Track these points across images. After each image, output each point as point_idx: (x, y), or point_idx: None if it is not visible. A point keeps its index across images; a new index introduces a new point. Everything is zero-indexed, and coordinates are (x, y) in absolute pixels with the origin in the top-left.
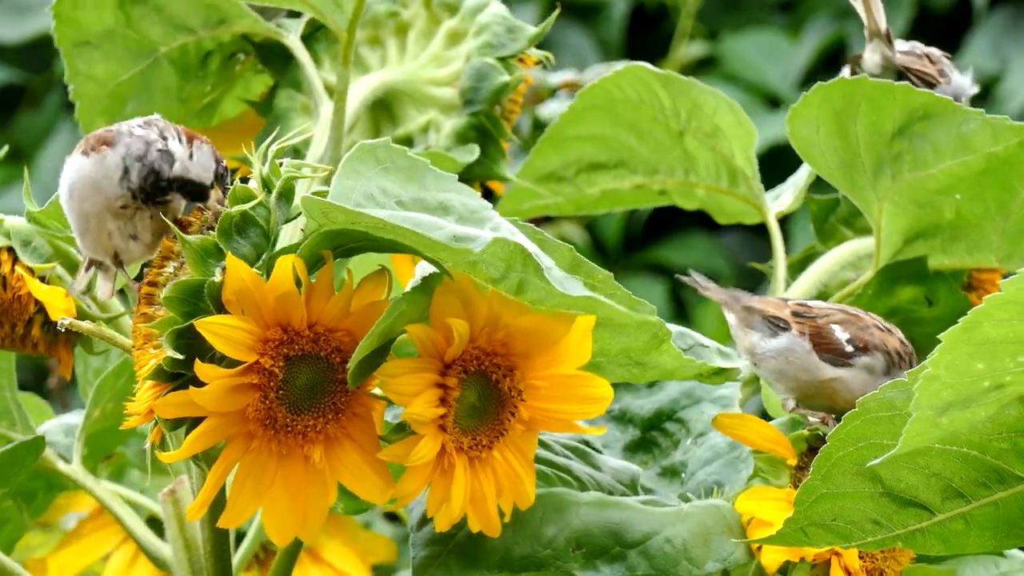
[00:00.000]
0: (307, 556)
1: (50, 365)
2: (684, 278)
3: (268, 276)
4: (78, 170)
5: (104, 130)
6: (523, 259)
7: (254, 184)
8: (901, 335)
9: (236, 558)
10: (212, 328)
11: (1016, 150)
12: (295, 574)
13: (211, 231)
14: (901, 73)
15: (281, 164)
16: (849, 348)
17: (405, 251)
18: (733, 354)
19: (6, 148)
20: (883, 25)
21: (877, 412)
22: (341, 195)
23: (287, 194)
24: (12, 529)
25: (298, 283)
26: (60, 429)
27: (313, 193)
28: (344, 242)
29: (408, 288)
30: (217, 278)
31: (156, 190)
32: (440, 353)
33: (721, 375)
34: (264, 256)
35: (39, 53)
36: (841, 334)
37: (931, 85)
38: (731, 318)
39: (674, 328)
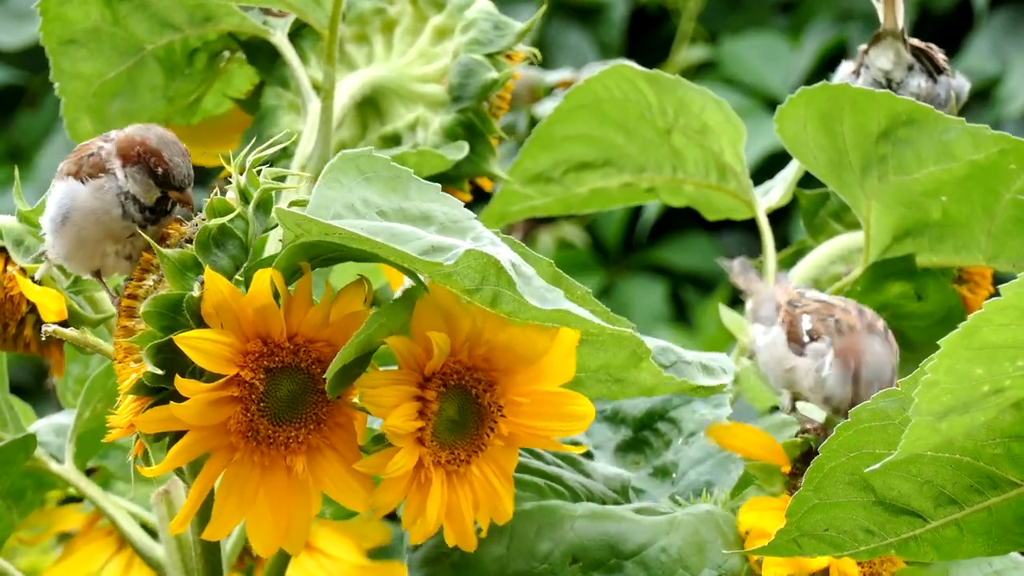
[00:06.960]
0: None
1: (48, 366)
2: (725, 262)
3: (247, 288)
4: (73, 197)
5: (89, 153)
6: (496, 271)
7: (232, 195)
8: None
9: (224, 556)
10: (191, 343)
11: (997, 158)
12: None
13: (189, 244)
14: (911, 65)
15: (259, 173)
16: (806, 338)
17: (382, 262)
18: (717, 369)
19: None
20: (901, 23)
21: (870, 422)
22: (321, 206)
23: (265, 204)
24: (1, 528)
25: (277, 295)
26: (50, 429)
27: (293, 202)
28: (322, 253)
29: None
30: (196, 292)
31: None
32: (420, 366)
33: (705, 391)
34: (243, 268)
35: (39, 54)
36: (805, 324)
37: (940, 71)
38: (748, 306)
39: (657, 344)
